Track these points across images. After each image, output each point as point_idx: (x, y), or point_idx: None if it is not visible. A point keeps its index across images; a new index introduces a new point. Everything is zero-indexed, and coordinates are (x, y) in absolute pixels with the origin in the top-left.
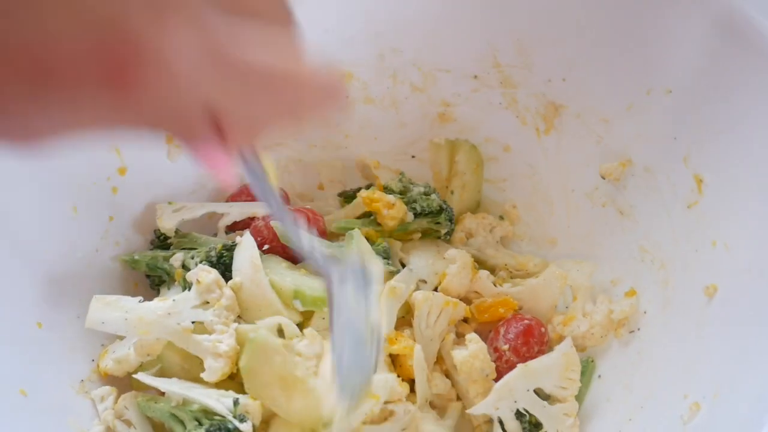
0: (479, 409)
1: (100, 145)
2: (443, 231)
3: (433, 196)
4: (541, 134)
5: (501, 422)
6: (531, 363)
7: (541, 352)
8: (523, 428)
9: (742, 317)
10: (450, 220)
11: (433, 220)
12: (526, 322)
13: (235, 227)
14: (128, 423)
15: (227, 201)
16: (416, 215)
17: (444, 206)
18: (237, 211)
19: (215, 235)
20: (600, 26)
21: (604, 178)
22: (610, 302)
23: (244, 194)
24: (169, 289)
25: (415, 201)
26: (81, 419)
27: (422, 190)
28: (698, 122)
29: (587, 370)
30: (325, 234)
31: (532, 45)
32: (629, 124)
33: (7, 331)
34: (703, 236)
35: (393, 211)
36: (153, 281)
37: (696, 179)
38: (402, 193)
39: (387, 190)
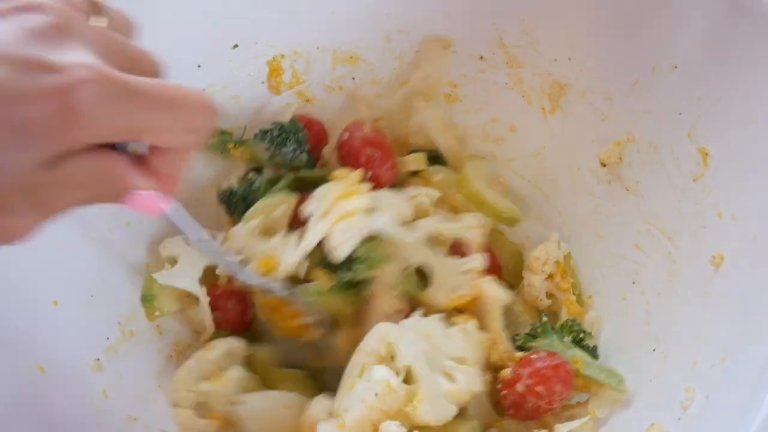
0: None
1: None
2: None
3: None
4: (547, 113)
5: None
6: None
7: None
8: None
9: (749, 284)
10: None
11: None
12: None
13: None
14: None
15: None
16: None
17: None
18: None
19: None
20: (604, 3)
21: (604, 165)
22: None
23: None
24: None
25: None
26: (97, 396)
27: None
28: (703, 96)
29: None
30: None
31: (537, 25)
32: (634, 101)
33: (23, 309)
34: (709, 208)
35: None
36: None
37: (701, 152)
38: None
39: None
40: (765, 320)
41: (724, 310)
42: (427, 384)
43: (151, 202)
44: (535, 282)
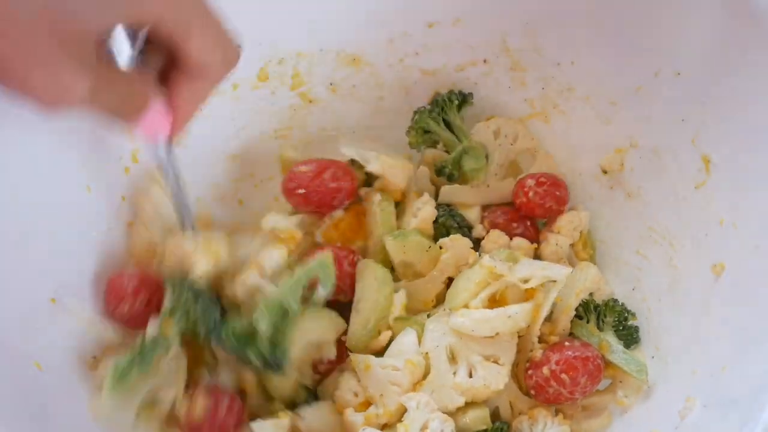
0: None
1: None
2: None
3: None
4: (551, 117)
5: None
6: None
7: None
8: None
9: (750, 294)
10: None
11: None
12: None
13: None
14: None
15: None
16: None
17: None
18: None
19: None
20: (608, 8)
21: (606, 173)
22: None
23: None
24: None
25: None
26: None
27: None
28: (706, 103)
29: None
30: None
31: (541, 28)
32: (637, 106)
33: (21, 306)
34: (710, 215)
35: None
36: None
37: (704, 159)
38: None
39: None
40: (765, 330)
41: (725, 319)
42: (436, 373)
43: (158, 122)
44: (563, 244)
